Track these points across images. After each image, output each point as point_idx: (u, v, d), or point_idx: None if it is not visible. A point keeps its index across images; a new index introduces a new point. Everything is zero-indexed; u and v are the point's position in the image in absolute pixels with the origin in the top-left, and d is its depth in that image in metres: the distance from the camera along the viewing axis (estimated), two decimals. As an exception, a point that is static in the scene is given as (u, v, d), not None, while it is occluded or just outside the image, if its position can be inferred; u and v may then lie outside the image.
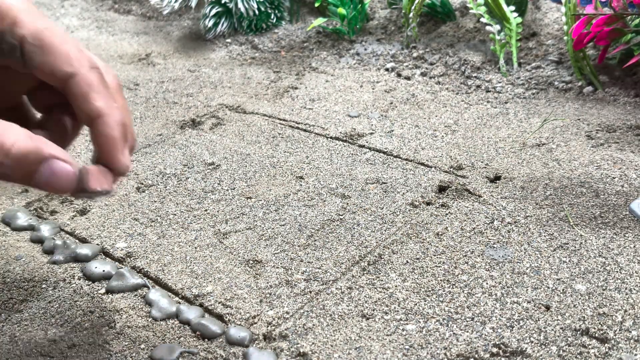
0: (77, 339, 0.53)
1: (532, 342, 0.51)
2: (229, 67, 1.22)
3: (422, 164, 0.81)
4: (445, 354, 0.50)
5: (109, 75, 0.46)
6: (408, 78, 1.11)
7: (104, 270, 0.62)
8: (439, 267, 0.60)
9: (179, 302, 0.58)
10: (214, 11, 1.33)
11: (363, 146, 0.87)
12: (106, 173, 0.43)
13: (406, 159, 0.83)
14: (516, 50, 1.09)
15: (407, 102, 1.01)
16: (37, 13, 0.41)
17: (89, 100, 0.42)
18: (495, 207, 0.70)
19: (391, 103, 1.01)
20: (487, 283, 0.58)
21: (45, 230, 0.70)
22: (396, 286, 0.58)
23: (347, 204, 0.72)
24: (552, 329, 0.52)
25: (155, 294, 0.57)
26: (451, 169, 0.79)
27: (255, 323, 0.53)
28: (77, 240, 0.69)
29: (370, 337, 0.52)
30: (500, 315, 0.54)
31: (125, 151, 0.45)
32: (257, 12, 1.32)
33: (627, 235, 0.64)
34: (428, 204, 0.72)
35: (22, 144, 0.39)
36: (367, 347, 0.51)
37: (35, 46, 0.40)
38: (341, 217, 0.70)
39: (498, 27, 1.08)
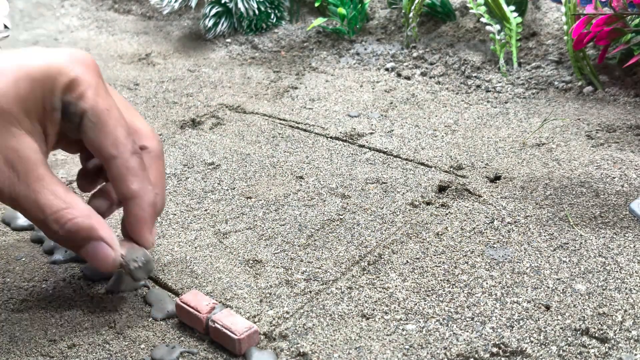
0: (77, 339, 0.53)
1: (532, 342, 0.51)
2: (229, 67, 1.22)
3: (422, 163, 0.81)
4: (445, 353, 0.50)
5: (154, 141, 0.52)
6: (408, 78, 1.11)
7: (104, 270, 0.62)
8: (439, 267, 0.60)
9: (179, 302, 0.58)
10: (214, 11, 1.33)
11: (363, 146, 0.87)
12: (136, 248, 0.51)
13: (406, 159, 0.83)
14: (516, 50, 1.09)
15: (407, 102, 1.01)
16: (103, 92, 0.46)
17: (125, 183, 0.48)
18: (495, 207, 0.70)
19: (391, 103, 1.01)
20: (487, 283, 0.58)
21: (45, 230, 0.70)
22: (396, 286, 0.58)
23: (347, 203, 0.72)
24: (552, 329, 0.52)
25: (155, 294, 0.57)
26: (451, 169, 0.79)
27: (256, 323, 0.53)
28: (77, 240, 0.69)
29: (370, 337, 0.52)
30: (500, 315, 0.54)
31: (153, 230, 0.51)
32: (257, 12, 1.32)
33: (627, 235, 0.64)
34: (428, 203, 0.72)
35: (79, 221, 0.45)
36: (367, 347, 0.51)
37: (92, 122, 0.45)
38: (341, 217, 0.70)
39: (498, 27, 1.08)
